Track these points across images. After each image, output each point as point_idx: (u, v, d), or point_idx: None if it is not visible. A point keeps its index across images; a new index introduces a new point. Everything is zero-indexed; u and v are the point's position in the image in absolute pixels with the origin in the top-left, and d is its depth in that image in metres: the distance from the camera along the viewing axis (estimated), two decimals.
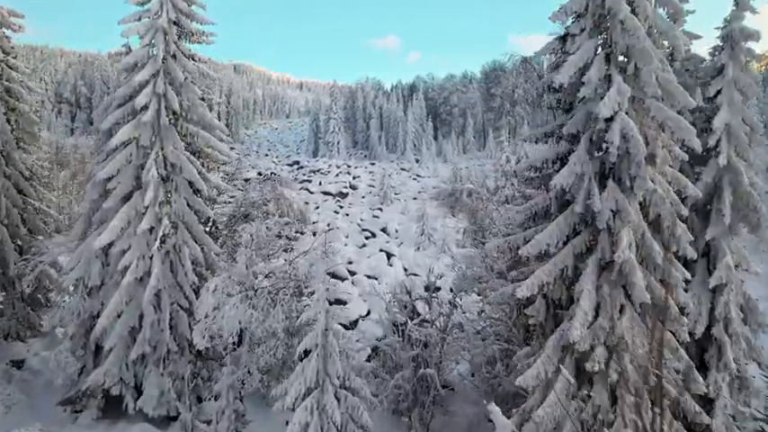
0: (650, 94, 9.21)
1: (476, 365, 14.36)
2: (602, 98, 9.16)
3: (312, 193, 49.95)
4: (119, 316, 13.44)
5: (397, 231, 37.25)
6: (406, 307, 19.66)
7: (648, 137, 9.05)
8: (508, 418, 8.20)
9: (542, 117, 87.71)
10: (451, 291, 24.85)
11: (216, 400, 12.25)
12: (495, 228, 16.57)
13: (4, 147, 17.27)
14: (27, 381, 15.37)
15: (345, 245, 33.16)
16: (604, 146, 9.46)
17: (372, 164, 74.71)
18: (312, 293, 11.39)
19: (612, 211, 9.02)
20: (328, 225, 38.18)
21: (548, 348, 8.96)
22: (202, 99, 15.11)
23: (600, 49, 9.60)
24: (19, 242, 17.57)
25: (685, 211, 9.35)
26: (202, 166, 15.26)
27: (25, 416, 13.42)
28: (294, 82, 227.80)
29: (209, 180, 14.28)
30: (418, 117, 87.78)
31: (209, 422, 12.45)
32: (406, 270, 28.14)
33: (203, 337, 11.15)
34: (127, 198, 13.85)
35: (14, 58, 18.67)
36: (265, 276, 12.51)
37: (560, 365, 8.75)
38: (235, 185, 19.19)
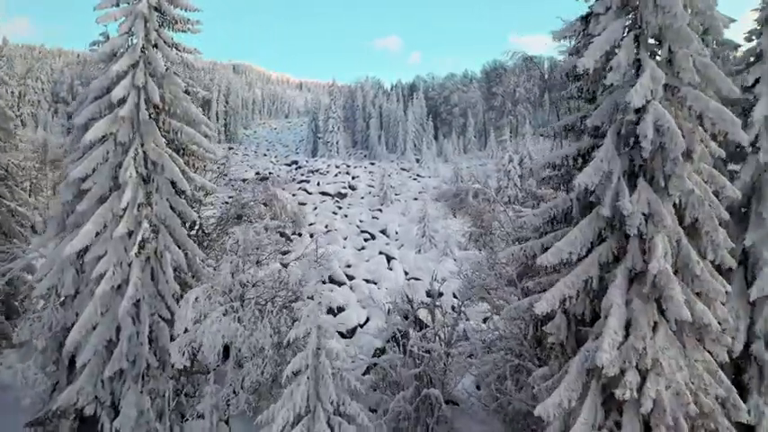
0: (686, 81, 8.09)
1: (483, 380, 13.25)
2: (631, 86, 8.05)
3: (310, 193, 48.83)
4: (94, 328, 12.32)
5: (397, 233, 36.11)
6: (407, 317, 18.58)
7: (684, 130, 7.91)
8: None
9: (543, 116, 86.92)
10: (455, 296, 23.76)
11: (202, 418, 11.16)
12: (502, 231, 15.44)
13: None
14: None
15: (344, 247, 32.03)
16: (634, 140, 8.38)
17: (372, 164, 73.62)
18: (309, 298, 10.23)
19: (644, 214, 7.89)
20: (326, 227, 37.07)
21: (571, 372, 7.83)
22: (187, 92, 13.96)
23: (628, 30, 8.47)
24: None
25: (726, 215, 8.22)
26: (187, 164, 14.11)
27: None
28: (294, 82, 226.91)
29: (193, 180, 13.14)
30: (418, 116, 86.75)
31: None
32: (406, 274, 27.00)
33: (182, 355, 10.01)
34: (103, 200, 12.72)
35: None
36: (253, 285, 11.37)
37: (586, 392, 7.62)
38: (232, 186, 18.12)
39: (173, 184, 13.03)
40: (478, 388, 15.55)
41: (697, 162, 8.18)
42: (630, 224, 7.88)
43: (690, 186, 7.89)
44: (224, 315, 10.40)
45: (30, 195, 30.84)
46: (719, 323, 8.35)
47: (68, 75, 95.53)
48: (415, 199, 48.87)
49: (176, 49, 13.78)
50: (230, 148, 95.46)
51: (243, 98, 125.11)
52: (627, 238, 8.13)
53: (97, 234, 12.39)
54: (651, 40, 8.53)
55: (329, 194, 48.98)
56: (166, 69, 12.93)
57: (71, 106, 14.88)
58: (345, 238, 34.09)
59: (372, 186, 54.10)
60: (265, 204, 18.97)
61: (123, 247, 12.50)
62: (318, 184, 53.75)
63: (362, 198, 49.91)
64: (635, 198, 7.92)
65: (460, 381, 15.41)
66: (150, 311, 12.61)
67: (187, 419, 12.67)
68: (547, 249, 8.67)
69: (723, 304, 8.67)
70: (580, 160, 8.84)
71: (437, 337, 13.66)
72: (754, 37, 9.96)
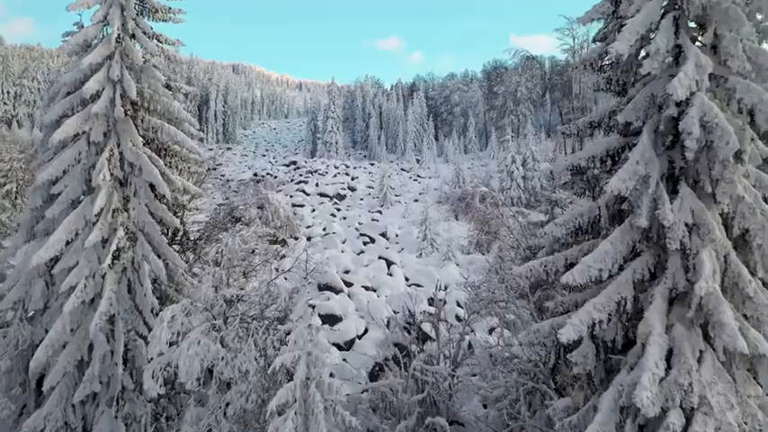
0: (735, 70, 6.95)
1: (491, 402, 12.11)
2: (670, 75, 6.91)
3: (308, 194, 47.68)
4: (63, 347, 11.19)
5: (397, 236, 34.95)
6: (408, 330, 17.47)
7: (733, 127, 6.77)
8: None
9: (544, 116, 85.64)
10: (458, 305, 22.60)
11: None
12: (511, 237, 14.29)
13: None
14: None
15: (342, 251, 30.86)
16: (672, 139, 7.24)
17: (372, 164, 72.52)
18: (298, 319, 9.06)
19: (687, 225, 6.74)
20: (324, 230, 35.92)
21: (602, 410, 6.68)
22: (168, 87, 12.84)
23: (665, 12, 7.33)
24: None
25: None
26: (169, 165, 12.98)
27: None
28: (294, 82, 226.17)
29: (173, 182, 11.99)
30: (419, 116, 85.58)
31: None
32: (407, 280, 25.85)
33: (156, 381, 8.86)
34: (75, 205, 11.60)
35: None
36: (238, 300, 10.22)
37: None
38: (229, 187, 16.94)
39: (152, 187, 11.90)
40: (485, 406, 14.43)
41: (746, 164, 7.03)
42: (671, 237, 6.73)
43: (740, 192, 6.75)
44: (204, 335, 9.24)
45: (16, 197, 29.72)
46: None
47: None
48: (416, 200, 47.76)
49: (157, 40, 12.65)
50: (229, 149, 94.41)
51: (242, 98, 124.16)
52: (666, 252, 6.98)
53: (68, 243, 11.27)
54: (692, 24, 7.40)
55: (328, 196, 47.84)
56: (145, 62, 11.80)
57: (41, 103, 13.70)
58: (344, 242, 32.92)
59: (372, 188, 52.99)
60: (261, 208, 17.83)
61: (96, 257, 11.37)
62: (317, 185, 52.60)
63: (362, 199, 48.78)
64: (676, 206, 6.77)
65: (467, 399, 14.30)
66: (126, 328, 11.50)
67: None
68: (571, 264, 7.53)
69: None
70: (609, 162, 7.69)
71: (441, 355, 12.51)
72: None
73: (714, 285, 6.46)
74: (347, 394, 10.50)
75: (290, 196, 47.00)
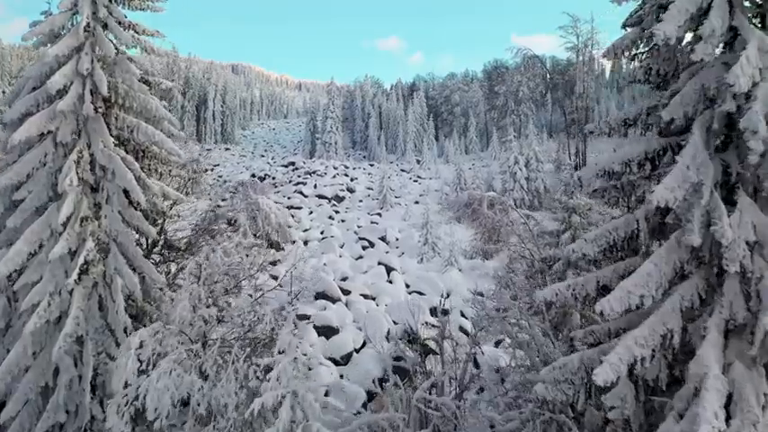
0: None
1: None
2: (724, 63, 5.78)
3: (306, 196, 46.52)
4: (26, 371, 10.05)
5: (397, 240, 33.78)
6: (410, 341, 16.33)
7: None
8: None
9: (546, 116, 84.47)
10: (462, 314, 21.44)
11: None
12: (522, 246, 13.12)
13: None
14: None
15: (340, 256, 29.71)
16: (723, 139, 6.11)
17: (371, 165, 71.40)
18: (280, 352, 7.86)
19: (749, 243, 5.59)
20: (322, 233, 34.77)
21: None
22: (146, 82, 11.72)
23: None
24: None
25: None
26: (147, 169, 11.86)
27: None
28: (293, 82, 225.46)
29: (149, 188, 10.82)
30: (419, 116, 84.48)
31: None
32: (407, 287, 24.68)
33: (121, 417, 7.70)
34: (40, 212, 10.44)
35: None
36: (219, 322, 9.06)
37: None
38: (216, 191, 15.84)
39: (126, 193, 10.74)
40: (492, 427, 13.28)
41: None
42: (729, 257, 5.58)
43: None
44: (178, 363, 8.08)
45: None
46: None
47: None
48: (416, 202, 46.61)
49: (134, 30, 11.48)
50: (227, 149, 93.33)
51: (241, 98, 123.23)
52: (722, 275, 5.83)
53: (31, 255, 10.13)
54: (746, 2, 6.26)
55: (326, 198, 46.68)
56: (117, 53, 10.63)
57: (2, 100, 12.60)
58: (342, 246, 31.77)
59: (371, 189, 51.84)
60: (254, 218, 16.72)
61: (63, 271, 10.21)
62: (315, 186, 51.43)
63: (361, 201, 47.64)
64: (735, 220, 5.63)
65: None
66: (96, 350, 10.34)
67: None
68: (604, 288, 6.39)
69: None
70: (647, 166, 6.52)
71: (447, 376, 11.35)
72: None
73: None
74: (343, 412, 9.33)
75: (288, 198, 45.90)
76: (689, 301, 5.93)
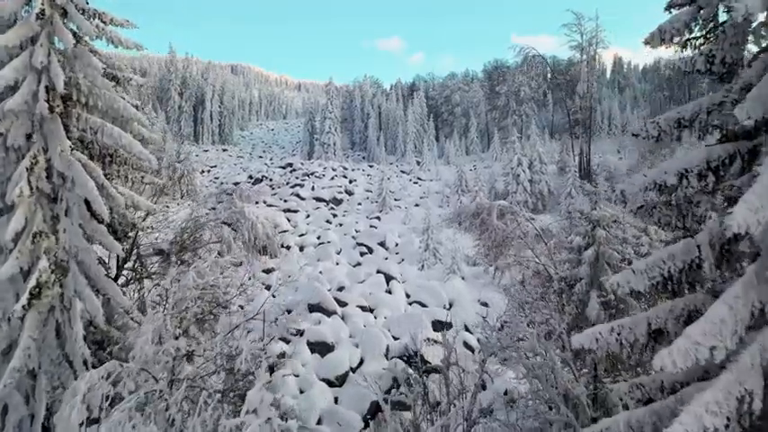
0: None
1: None
2: None
3: (303, 199, 45.16)
4: None
5: (397, 245, 32.43)
6: (410, 361, 15.10)
7: None
8: None
9: (547, 116, 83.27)
10: (467, 328, 20.10)
11: None
12: (537, 262, 11.77)
13: None
14: None
15: (337, 263, 28.38)
16: None
17: (370, 166, 70.06)
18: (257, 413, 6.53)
19: None
20: (318, 238, 33.44)
21: None
22: (114, 78, 10.42)
23: None
24: None
25: None
26: (116, 176, 10.56)
27: None
28: (292, 83, 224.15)
29: (114, 198, 9.51)
30: (419, 117, 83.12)
31: None
32: (408, 297, 23.35)
33: None
34: None
35: None
36: (188, 356, 7.74)
37: None
38: (202, 198, 14.52)
39: (89, 203, 9.44)
40: None
41: None
42: None
43: None
44: (138, 410, 6.77)
45: None
46: None
47: None
48: (417, 205, 45.27)
49: (100, 19, 10.18)
50: (224, 150, 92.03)
51: (240, 99, 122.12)
52: None
53: None
54: None
55: (324, 200, 45.31)
56: (76, 44, 9.30)
57: None
58: (339, 252, 30.42)
59: (370, 191, 50.48)
60: (229, 225, 15.44)
61: (13, 294, 8.90)
62: (313, 188, 50.05)
63: (360, 204, 46.28)
64: None
65: None
66: (52, 384, 9.04)
67: None
68: (657, 332, 5.09)
69: None
70: (711, 178, 5.21)
71: (454, 412, 10.05)
72: None
73: None
74: None
75: (284, 201, 44.57)
76: None
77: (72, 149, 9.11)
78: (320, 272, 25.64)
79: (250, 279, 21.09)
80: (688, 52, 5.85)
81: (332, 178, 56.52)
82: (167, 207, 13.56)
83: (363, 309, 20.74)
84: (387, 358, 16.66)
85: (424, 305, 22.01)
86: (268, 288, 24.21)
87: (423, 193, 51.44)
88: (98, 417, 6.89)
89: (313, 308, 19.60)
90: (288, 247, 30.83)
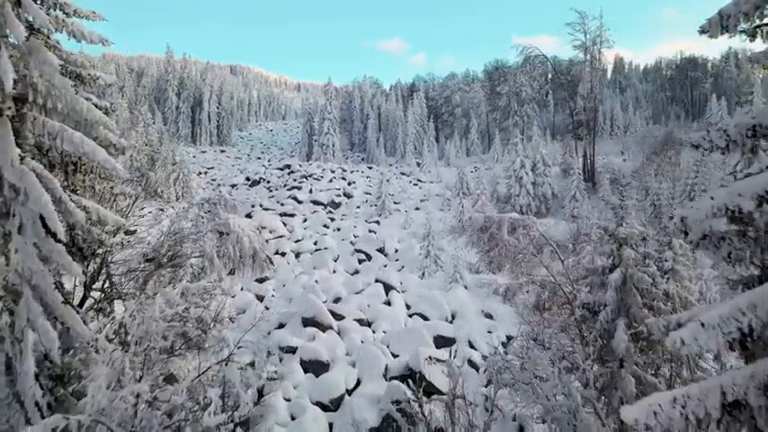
0: None
1: None
2: None
3: (300, 202, 43.98)
4: None
5: (396, 251, 31.27)
6: (410, 382, 13.98)
7: None
8: None
9: (548, 117, 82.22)
10: (471, 345, 18.94)
11: None
12: (553, 283, 10.51)
13: None
14: None
15: (334, 271, 27.22)
16: None
17: (370, 168, 68.94)
18: None
19: None
20: (315, 244, 32.29)
21: None
22: (78, 77, 9.26)
23: None
24: None
25: None
26: (82, 186, 9.40)
27: None
28: (292, 83, 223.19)
29: (72, 213, 8.34)
30: (419, 117, 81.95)
31: None
32: (408, 308, 22.18)
33: None
34: None
35: None
36: (151, 405, 6.59)
37: None
38: (182, 210, 13.31)
39: (44, 221, 8.27)
40: None
41: None
42: None
43: None
44: None
45: None
46: None
47: None
48: (417, 208, 44.14)
49: (61, 10, 9.03)
50: (222, 151, 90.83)
51: (238, 99, 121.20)
52: None
53: None
54: None
55: (321, 203, 44.13)
56: (27, 38, 8.13)
57: None
58: (336, 260, 29.25)
59: (369, 194, 49.32)
60: (220, 233, 14.28)
61: None
62: (311, 191, 48.90)
63: (358, 207, 45.11)
64: None
65: None
66: (1, 429, 7.87)
67: None
68: (735, 404, 3.92)
69: None
70: None
71: None
72: None
73: None
74: None
75: (281, 204, 43.42)
76: None
77: (23, 158, 7.95)
78: (316, 281, 24.48)
79: (234, 297, 19.96)
80: (759, 42, 4.70)
81: (330, 180, 55.41)
82: (142, 218, 12.36)
83: (361, 322, 19.56)
84: (386, 378, 15.50)
85: (425, 317, 20.86)
86: (261, 299, 23.08)
87: (423, 196, 50.29)
88: None
89: (307, 322, 18.43)
90: (283, 254, 29.69)
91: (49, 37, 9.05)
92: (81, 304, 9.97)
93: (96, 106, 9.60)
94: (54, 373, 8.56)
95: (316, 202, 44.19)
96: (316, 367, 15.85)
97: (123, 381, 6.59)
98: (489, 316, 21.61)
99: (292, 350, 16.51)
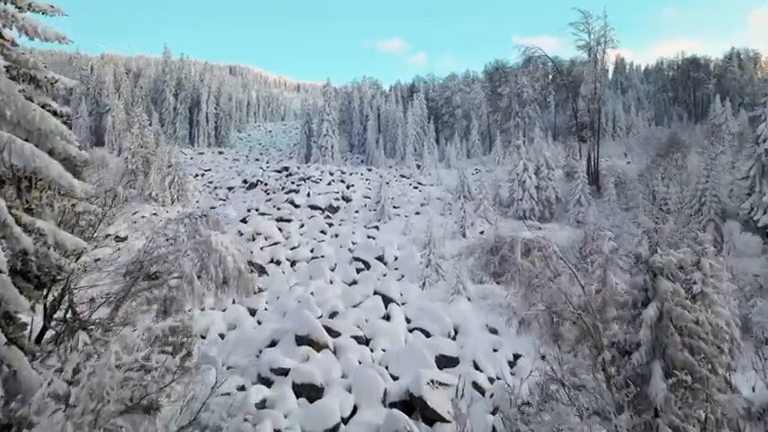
0: None
1: None
2: None
3: (297, 206, 42.83)
4: None
5: (396, 259, 30.11)
6: (410, 409, 12.90)
7: None
8: None
9: (549, 118, 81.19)
10: (476, 366, 17.77)
11: None
12: (573, 312, 9.29)
13: None
14: None
15: (330, 282, 26.07)
16: None
17: (369, 170, 67.77)
18: None
19: None
20: (312, 251, 31.14)
21: None
22: (34, 80, 8.12)
23: None
24: None
25: None
26: (39, 204, 8.26)
27: None
28: (291, 84, 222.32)
29: (18, 239, 7.19)
30: (419, 119, 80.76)
31: None
32: (408, 322, 21.04)
33: None
34: None
35: None
36: None
37: None
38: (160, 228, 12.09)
39: None
40: None
41: None
42: None
43: None
44: None
45: None
46: None
47: None
48: (417, 213, 43.00)
49: (12, 4, 7.89)
50: (220, 153, 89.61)
51: (237, 100, 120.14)
52: None
53: None
54: None
55: (319, 208, 42.98)
56: None
57: None
58: (333, 269, 28.09)
59: (369, 198, 48.15)
60: (204, 253, 13.09)
61: None
62: (308, 194, 47.75)
63: (357, 212, 43.95)
64: None
65: None
66: None
67: None
68: None
69: None
70: None
71: None
72: None
73: None
74: None
75: (278, 208, 42.29)
76: None
77: None
78: (312, 293, 23.35)
79: (224, 311, 18.78)
80: None
81: (329, 183, 54.30)
82: (112, 236, 11.22)
83: (358, 340, 18.40)
84: (384, 404, 14.38)
85: (426, 333, 19.71)
86: (253, 313, 21.95)
87: (423, 200, 49.12)
88: None
89: (301, 340, 17.28)
90: (278, 263, 28.55)
91: None
92: (40, 338, 8.84)
93: (56, 113, 8.49)
94: (1, 424, 7.41)
95: (313, 207, 43.07)
96: (309, 392, 14.72)
97: None
98: (494, 331, 20.49)
99: (284, 372, 15.36)
